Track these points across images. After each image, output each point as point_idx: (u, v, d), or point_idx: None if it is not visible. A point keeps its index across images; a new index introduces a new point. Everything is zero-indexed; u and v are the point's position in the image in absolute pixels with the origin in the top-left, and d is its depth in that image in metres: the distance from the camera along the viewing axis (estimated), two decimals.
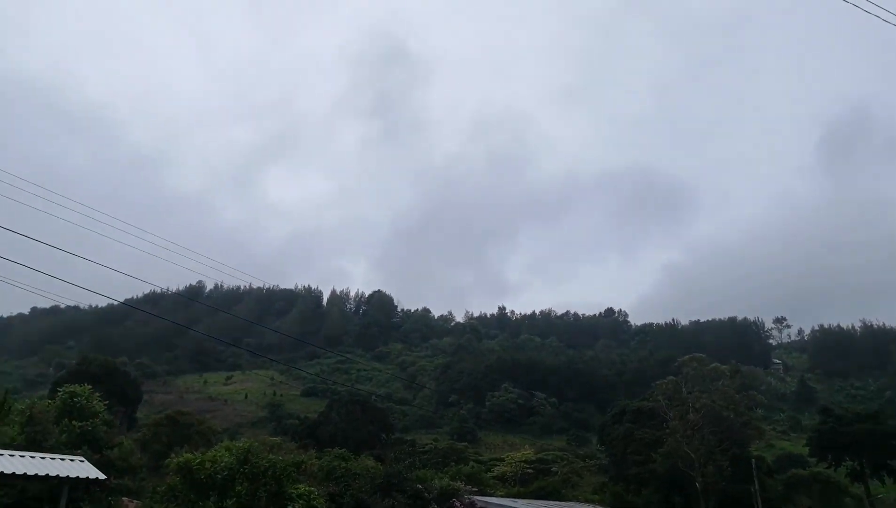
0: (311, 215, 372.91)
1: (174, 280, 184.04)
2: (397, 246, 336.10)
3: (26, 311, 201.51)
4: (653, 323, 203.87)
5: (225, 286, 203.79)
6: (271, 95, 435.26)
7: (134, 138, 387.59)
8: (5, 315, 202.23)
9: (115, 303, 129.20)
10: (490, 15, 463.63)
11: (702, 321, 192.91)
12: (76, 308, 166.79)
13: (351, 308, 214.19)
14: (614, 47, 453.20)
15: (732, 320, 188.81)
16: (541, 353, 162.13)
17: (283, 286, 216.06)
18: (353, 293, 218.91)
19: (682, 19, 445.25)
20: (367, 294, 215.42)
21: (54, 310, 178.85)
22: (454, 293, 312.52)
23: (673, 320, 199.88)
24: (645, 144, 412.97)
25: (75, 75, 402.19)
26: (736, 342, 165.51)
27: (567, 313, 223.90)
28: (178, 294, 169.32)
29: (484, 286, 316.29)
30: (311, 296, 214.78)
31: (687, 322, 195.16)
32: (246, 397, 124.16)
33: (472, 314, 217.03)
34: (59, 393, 37.33)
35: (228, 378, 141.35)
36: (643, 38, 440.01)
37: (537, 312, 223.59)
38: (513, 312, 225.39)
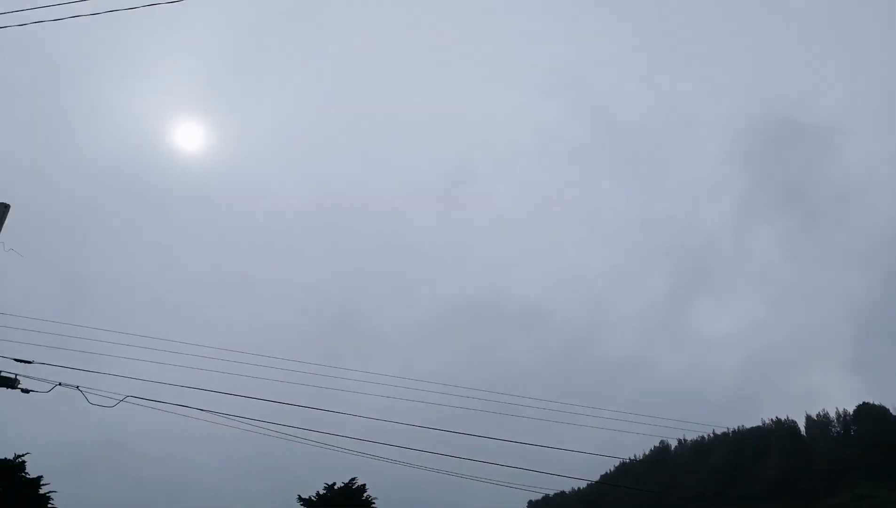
0: (751, 339, 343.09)
1: (638, 446, 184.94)
2: (870, 342, 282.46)
3: (524, 505, 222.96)
4: None
5: (688, 440, 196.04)
6: (672, 235, 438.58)
7: (562, 321, 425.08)
8: None
9: (592, 482, 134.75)
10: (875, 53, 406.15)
11: None
12: (562, 494, 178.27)
13: (837, 431, 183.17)
14: None
15: None
16: None
17: (748, 425, 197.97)
18: (833, 413, 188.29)
19: None
20: (850, 410, 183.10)
21: (545, 500, 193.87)
22: None
23: None
24: None
25: (509, 287, 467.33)
26: None
27: None
28: (645, 460, 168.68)
29: None
30: (784, 428, 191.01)
31: None
32: None
33: None
34: None
35: None
36: None
37: None
38: None
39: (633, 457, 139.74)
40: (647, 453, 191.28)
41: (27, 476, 43.14)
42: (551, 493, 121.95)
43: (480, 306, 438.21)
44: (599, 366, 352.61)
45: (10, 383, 15.30)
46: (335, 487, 51.30)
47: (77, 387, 16.65)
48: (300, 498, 51.59)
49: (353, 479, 51.78)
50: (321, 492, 51.39)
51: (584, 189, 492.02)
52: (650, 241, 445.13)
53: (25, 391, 15.79)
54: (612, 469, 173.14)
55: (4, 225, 15.77)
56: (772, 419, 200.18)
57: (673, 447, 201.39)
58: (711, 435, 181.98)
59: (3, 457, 42.04)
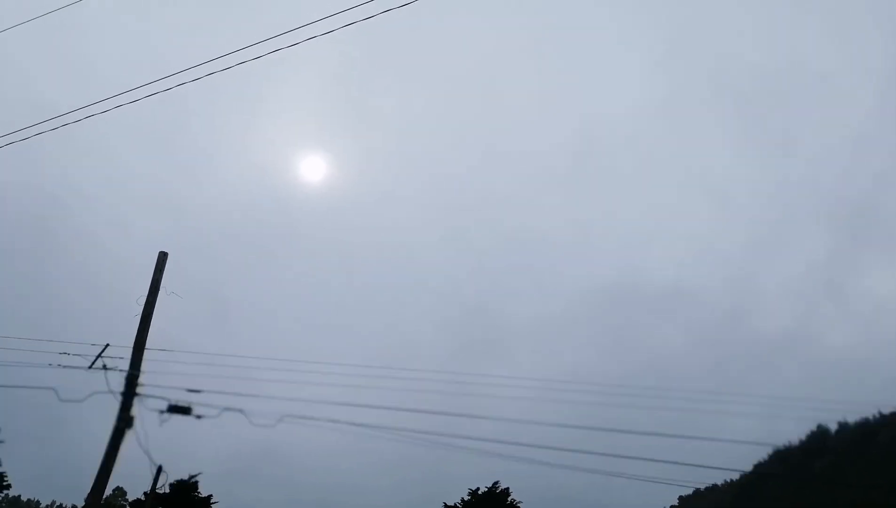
0: None
1: (794, 432, 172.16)
2: None
3: (674, 501, 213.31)
4: None
5: (850, 421, 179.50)
6: (820, 195, 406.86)
7: (706, 301, 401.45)
8: None
9: (745, 473, 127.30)
10: None
11: None
12: (714, 488, 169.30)
13: None
14: None
15: None
16: None
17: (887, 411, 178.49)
18: None
19: None
20: None
21: (697, 494, 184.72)
22: None
23: None
24: None
25: (644, 268, 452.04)
26: None
27: None
28: (802, 446, 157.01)
29: None
30: None
31: None
32: None
33: None
34: None
35: None
36: None
37: None
38: None
39: (787, 444, 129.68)
40: (802, 439, 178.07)
41: (199, 496, 47.00)
42: (703, 487, 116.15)
43: (616, 291, 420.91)
44: (753, 346, 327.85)
45: (186, 411, 16.98)
46: (479, 492, 51.97)
47: (241, 410, 18.16)
48: (445, 506, 52.71)
49: (495, 483, 52.24)
50: (465, 498, 52.23)
51: (711, 160, 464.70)
52: (795, 206, 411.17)
53: (198, 417, 17.45)
54: (767, 457, 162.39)
55: (164, 270, 17.57)
56: None
57: (833, 430, 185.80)
58: (877, 415, 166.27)
59: (179, 478, 45.96)
